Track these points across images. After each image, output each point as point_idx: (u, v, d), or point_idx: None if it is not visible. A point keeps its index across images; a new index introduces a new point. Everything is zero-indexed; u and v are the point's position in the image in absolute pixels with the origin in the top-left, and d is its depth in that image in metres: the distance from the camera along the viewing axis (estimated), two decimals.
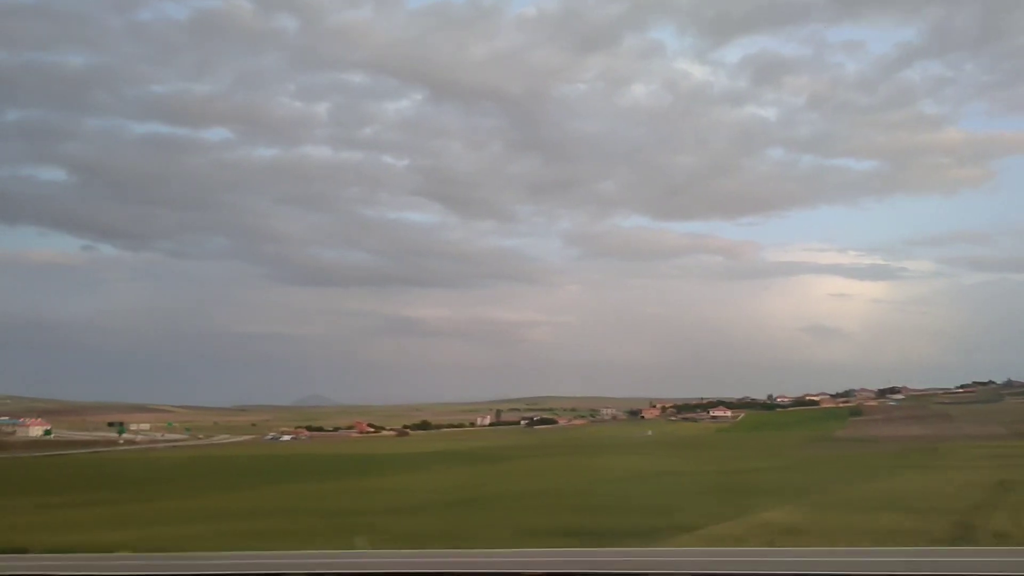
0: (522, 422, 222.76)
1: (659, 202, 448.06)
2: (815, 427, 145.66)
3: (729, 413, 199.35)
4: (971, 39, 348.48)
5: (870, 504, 30.56)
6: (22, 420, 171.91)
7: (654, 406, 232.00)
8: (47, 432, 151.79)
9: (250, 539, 25.77)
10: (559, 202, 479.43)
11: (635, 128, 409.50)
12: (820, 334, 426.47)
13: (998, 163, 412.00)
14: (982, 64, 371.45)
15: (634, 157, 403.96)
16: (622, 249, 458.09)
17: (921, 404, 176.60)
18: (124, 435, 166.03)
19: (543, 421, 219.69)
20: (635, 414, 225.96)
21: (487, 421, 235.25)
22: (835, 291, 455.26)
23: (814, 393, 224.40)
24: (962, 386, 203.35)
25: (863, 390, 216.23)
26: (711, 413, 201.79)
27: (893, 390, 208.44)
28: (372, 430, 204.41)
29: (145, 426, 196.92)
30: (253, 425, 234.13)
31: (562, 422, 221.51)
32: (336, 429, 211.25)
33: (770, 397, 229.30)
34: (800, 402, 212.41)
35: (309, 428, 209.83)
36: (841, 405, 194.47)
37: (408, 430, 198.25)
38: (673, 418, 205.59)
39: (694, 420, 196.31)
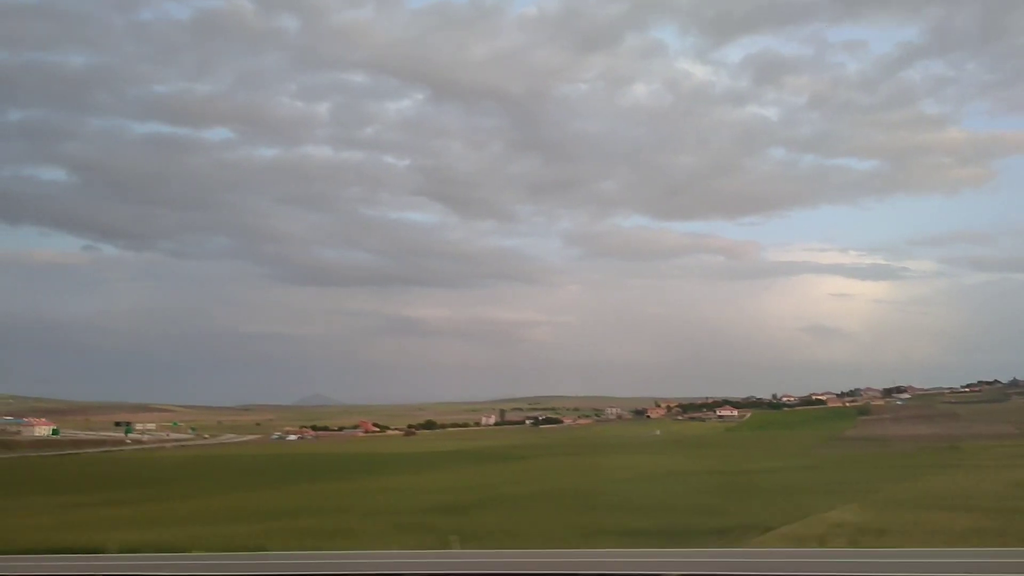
0: (527, 421, 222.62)
1: (660, 202, 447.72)
2: (823, 426, 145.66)
3: (736, 412, 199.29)
4: (972, 38, 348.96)
5: (922, 503, 30.31)
6: (26, 420, 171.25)
7: (659, 405, 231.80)
8: (55, 432, 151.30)
9: (306, 538, 25.39)
10: (560, 202, 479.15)
11: (636, 128, 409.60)
12: (821, 334, 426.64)
13: (999, 163, 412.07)
14: (983, 64, 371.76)
15: (635, 157, 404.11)
16: (622, 249, 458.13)
17: (928, 404, 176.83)
18: (131, 435, 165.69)
19: (548, 421, 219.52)
20: (640, 413, 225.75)
21: (492, 421, 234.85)
22: (836, 291, 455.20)
23: (817, 392, 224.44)
24: (968, 385, 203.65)
25: (869, 389, 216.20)
26: (717, 412, 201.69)
27: (899, 389, 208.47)
28: (377, 429, 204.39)
29: (151, 426, 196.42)
30: (257, 425, 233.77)
31: (567, 421, 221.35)
32: (341, 429, 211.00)
33: (775, 396, 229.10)
34: (807, 401, 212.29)
35: (314, 428, 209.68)
36: (848, 404, 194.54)
37: (414, 430, 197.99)
38: (680, 417, 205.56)
39: (701, 419, 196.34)
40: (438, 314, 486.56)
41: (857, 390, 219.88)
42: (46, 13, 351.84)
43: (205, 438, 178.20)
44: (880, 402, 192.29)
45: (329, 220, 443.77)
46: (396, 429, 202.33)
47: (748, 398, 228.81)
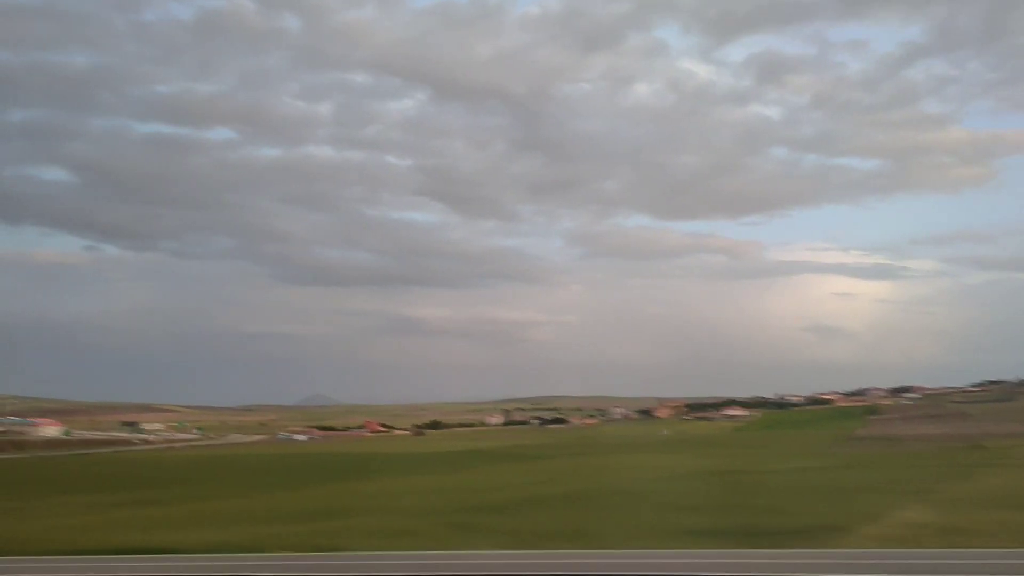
0: (533, 421, 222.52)
1: (662, 202, 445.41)
2: (833, 426, 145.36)
3: (743, 412, 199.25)
4: (975, 37, 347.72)
5: (987, 503, 30.01)
6: (32, 420, 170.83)
7: (664, 405, 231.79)
8: (67, 432, 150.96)
9: (360, 538, 25.05)
10: (561, 201, 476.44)
11: (638, 127, 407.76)
12: (823, 333, 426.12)
13: (1002, 162, 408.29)
14: (986, 62, 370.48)
15: (637, 156, 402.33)
16: (624, 249, 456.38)
17: (937, 403, 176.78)
18: (140, 435, 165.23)
19: (555, 420, 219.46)
20: (646, 413, 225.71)
21: (497, 421, 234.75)
22: (838, 291, 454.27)
23: (822, 392, 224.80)
24: (975, 385, 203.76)
25: (875, 389, 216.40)
26: (724, 412, 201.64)
27: (906, 389, 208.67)
28: (384, 429, 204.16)
29: (158, 426, 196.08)
30: (262, 425, 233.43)
31: (573, 421, 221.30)
32: (347, 428, 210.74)
33: (780, 396, 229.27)
34: (813, 401, 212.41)
35: (320, 428, 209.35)
36: (855, 404, 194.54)
37: (422, 430, 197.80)
38: (686, 417, 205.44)
39: (708, 419, 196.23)
40: (439, 314, 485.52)
41: (864, 389, 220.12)
42: (48, 13, 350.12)
43: (212, 438, 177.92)
44: (888, 401, 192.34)
45: (331, 220, 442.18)
46: (403, 429, 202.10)
47: (754, 397, 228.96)
